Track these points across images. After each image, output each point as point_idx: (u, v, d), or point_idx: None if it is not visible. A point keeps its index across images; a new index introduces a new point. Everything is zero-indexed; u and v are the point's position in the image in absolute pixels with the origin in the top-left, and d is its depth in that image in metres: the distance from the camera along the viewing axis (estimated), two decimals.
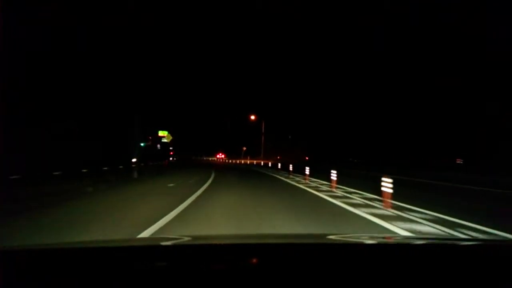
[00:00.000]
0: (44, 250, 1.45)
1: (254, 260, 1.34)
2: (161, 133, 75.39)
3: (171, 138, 29.01)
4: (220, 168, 33.24)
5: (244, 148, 68.35)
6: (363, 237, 2.26)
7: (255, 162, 32.08)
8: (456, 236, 5.28)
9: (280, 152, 59.67)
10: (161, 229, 5.51)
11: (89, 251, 1.47)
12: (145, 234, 5.14)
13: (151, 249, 1.56)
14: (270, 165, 32.38)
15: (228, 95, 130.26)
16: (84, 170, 20.94)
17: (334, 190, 12.30)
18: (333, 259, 1.32)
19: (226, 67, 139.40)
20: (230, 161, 45.09)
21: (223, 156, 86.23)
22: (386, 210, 7.73)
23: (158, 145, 37.16)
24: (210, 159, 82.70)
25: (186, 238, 2.01)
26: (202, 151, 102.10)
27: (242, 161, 44.37)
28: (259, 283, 1.04)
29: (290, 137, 64.53)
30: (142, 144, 40.16)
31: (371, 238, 2.17)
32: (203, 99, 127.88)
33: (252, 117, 57.32)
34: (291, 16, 77.22)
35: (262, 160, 48.99)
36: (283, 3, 69.70)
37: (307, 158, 51.35)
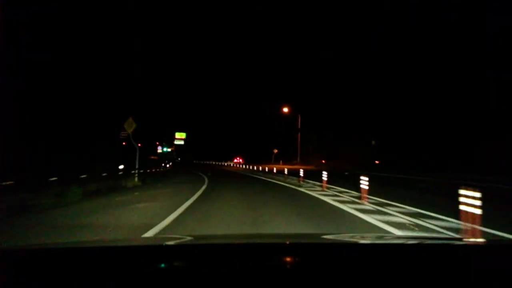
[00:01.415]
0: (44, 250, 1.43)
1: (255, 260, 1.30)
2: (178, 135, 65.47)
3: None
4: (222, 180, 20.21)
5: (276, 151, 56.34)
6: (357, 237, 2.30)
7: (297, 168, 20.68)
8: (449, 236, 5.19)
9: (325, 154, 46.12)
10: None
11: (91, 251, 1.44)
12: None
13: (155, 249, 1.53)
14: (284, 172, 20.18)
15: (249, 94, 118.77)
16: None
17: None
18: (328, 258, 1.31)
19: (243, 65, 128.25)
20: (251, 167, 32.32)
21: (240, 160, 75.34)
22: None
23: (159, 147, 27.82)
24: (231, 164, 71.48)
25: (188, 238, 2.04)
26: (223, 155, 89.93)
27: (274, 167, 31.22)
28: (259, 282, 1.03)
29: (330, 135, 50.75)
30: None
31: (365, 238, 2.16)
32: (223, 100, 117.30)
33: (285, 110, 45.56)
34: (290, 15, 73.06)
35: (300, 165, 37.16)
36: (283, 3, 67.16)
37: (377, 162, 37.12)
